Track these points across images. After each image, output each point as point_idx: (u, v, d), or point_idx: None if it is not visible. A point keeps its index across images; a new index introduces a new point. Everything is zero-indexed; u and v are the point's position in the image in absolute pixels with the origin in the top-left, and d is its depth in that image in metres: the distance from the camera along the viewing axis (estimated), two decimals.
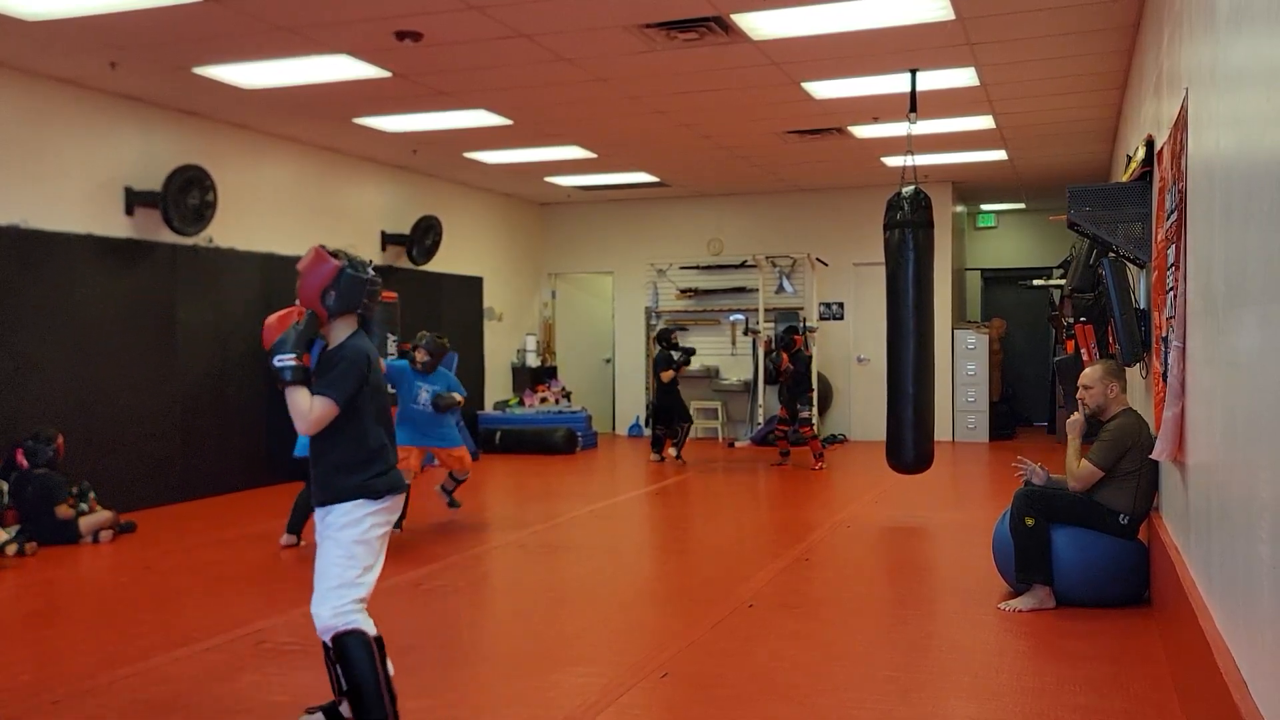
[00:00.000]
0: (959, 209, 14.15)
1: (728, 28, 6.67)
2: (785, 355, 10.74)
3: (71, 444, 7.48)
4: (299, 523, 6.85)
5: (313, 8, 6.27)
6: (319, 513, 3.46)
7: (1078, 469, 5.18)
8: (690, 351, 11.64)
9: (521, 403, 13.45)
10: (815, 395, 12.39)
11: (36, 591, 5.99)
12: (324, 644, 3.44)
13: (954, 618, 5.15)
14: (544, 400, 13.43)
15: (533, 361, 14.30)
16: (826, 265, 13.58)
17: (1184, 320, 3.98)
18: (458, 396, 7.43)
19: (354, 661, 3.35)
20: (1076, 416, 5.38)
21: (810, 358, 11.71)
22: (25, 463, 7.02)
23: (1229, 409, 2.94)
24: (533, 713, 3.83)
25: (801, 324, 13.16)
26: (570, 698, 3.97)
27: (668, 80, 8.01)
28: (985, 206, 15.67)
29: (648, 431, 12.86)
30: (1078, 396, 5.48)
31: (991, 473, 10.76)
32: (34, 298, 7.59)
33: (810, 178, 12.80)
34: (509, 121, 9.36)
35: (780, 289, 13.83)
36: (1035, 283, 13.70)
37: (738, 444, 13.33)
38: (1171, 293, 4.33)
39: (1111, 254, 5.75)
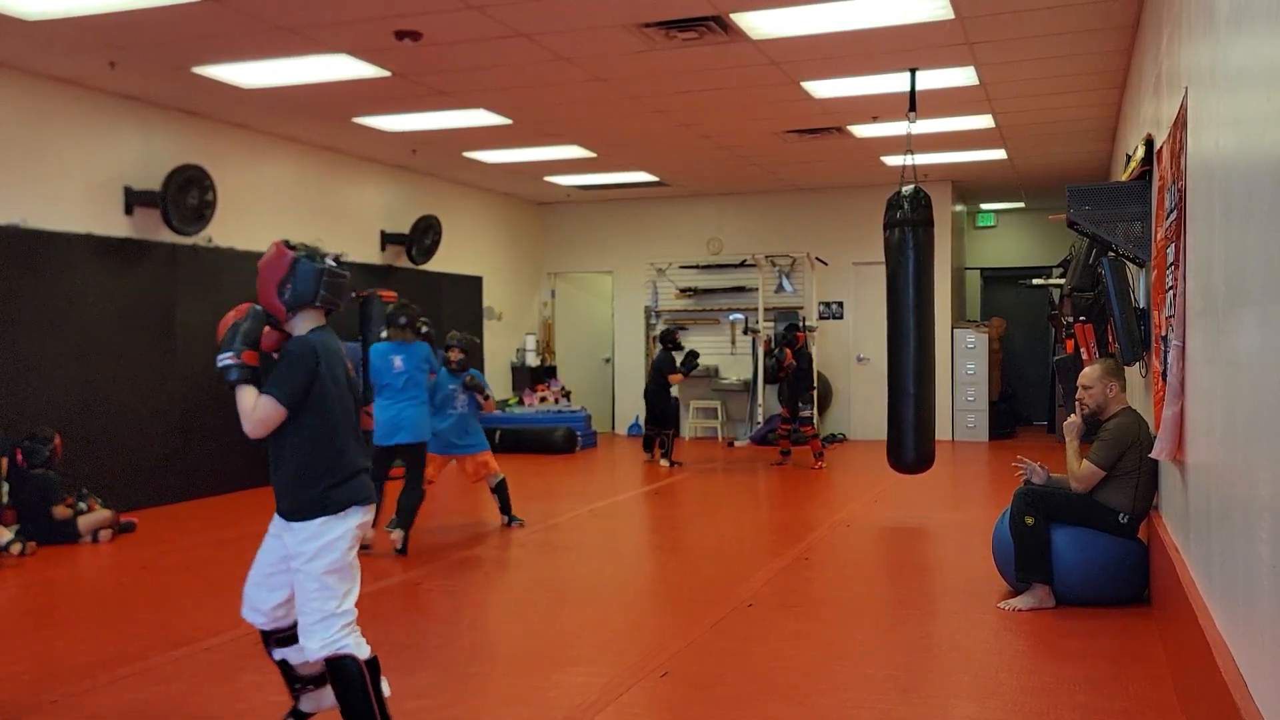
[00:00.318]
0: (958, 208, 14.15)
1: (727, 27, 6.67)
2: (789, 351, 10.74)
3: (71, 444, 7.48)
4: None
5: (312, 7, 6.26)
6: (282, 522, 3.30)
7: (1079, 470, 5.18)
8: (695, 355, 11.61)
9: (521, 402, 13.45)
10: (816, 393, 12.40)
11: (36, 591, 5.99)
12: (279, 661, 3.38)
13: (954, 617, 5.15)
14: (543, 400, 13.44)
15: (532, 361, 14.30)
16: (826, 265, 13.58)
17: (1183, 319, 3.98)
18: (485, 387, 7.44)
19: (346, 685, 3.23)
20: (1074, 419, 5.38)
21: (811, 356, 11.71)
22: (23, 462, 7.01)
23: (1229, 408, 2.94)
24: (533, 712, 3.83)
25: (801, 323, 13.18)
26: (570, 697, 3.97)
27: (667, 80, 8.00)
28: (985, 206, 15.67)
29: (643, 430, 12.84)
30: (1077, 396, 5.48)
31: (991, 472, 10.76)
32: (33, 297, 7.59)
33: (810, 177, 12.80)
34: (508, 121, 9.36)
35: (780, 288, 13.83)
36: (1035, 282, 13.71)
37: (737, 443, 13.33)
38: (1171, 292, 4.32)
39: (1111, 253, 5.75)
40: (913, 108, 7.84)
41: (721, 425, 14.10)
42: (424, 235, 11.88)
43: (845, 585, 5.89)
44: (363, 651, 3.26)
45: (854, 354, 13.84)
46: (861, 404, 13.65)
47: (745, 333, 13.78)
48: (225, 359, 3.30)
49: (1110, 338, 5.92)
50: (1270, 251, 2.31)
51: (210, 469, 9.06)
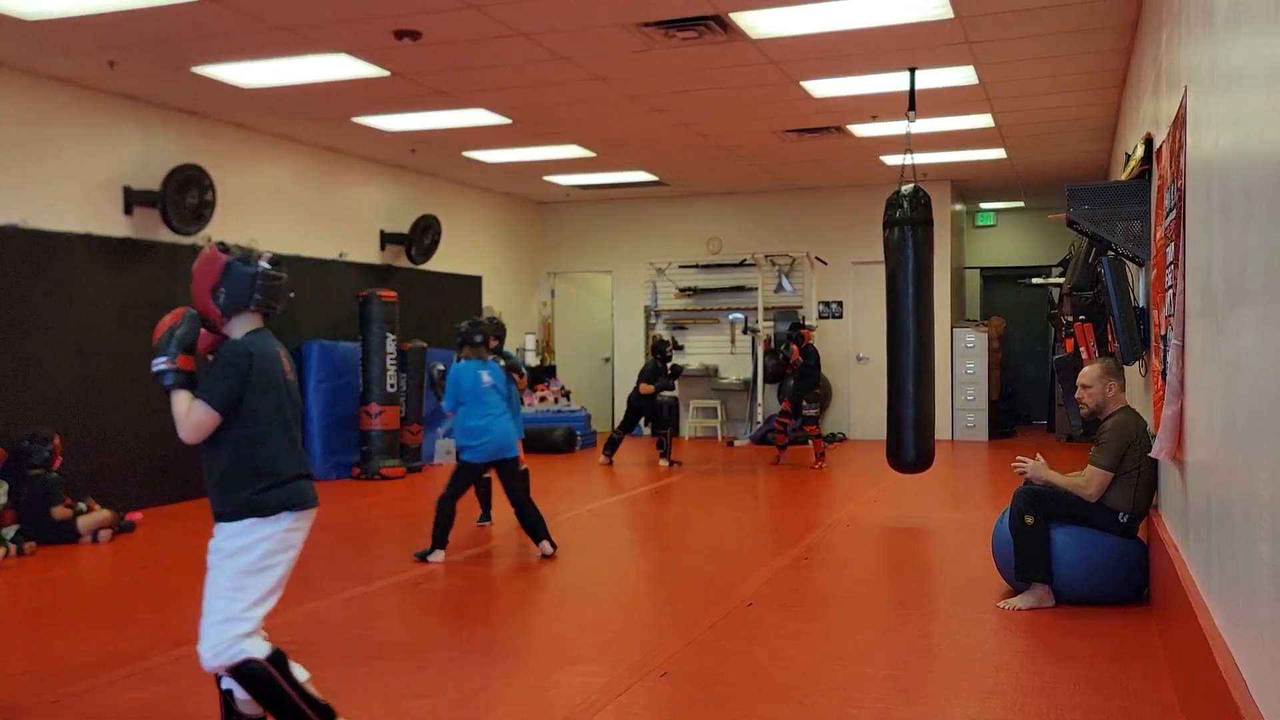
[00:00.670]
0: (958, 207, 14.15)
1: (726, 26, 6.67)
2: (795, 348, 10.74)
3: (71, 443, 7.48)
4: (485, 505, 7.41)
5: (311, 7, 6.26)
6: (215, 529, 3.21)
7: (1084, 481, 5.14)
8: (678, 372, 11.56)
9: (521, 402, 13.44)
10: (822, 393, 12.39)
11: (36, 591, 5.99)
12: (224, 691, 3.30)
13: (953, 617, 5.15)
14: (543, 399, 13.44)
15: (532, 360, 14.30)
16: (826, 264, 13.58)
17: (1183, 318, 3.98)
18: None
19: (258, 688, 3.14)
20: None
21: (818, 354, 11.70)
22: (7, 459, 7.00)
23: (1228, 408, 2.94)
24: (532, 712, 3.83)
25: (801, 322, 13.18)
26: (570, 697, 3.97)
27: (667, 79, 8.00)
28: (984, 205, 15.68)
29: (646, 430, 12.85)
30: (1076, 396, 5.48)
31: (991, 471, 10.76)
32: (33, 297, 7.59)
33: (809, 176, 12.80)
34: (508, 120, 9.36)
35: (779, 288, 13.83)
36: (1034, 281, 13.68)
37: (737, 443, 13.33)
38: (1170, 291, 4.32)
39: (1110, 252, 5.75)
40: (912, 107, 7.84)
41: (721, 425, 14.10)
42: (423, 235, 11.87)
43: (845, 585, 5.89)
44: (260, 650, 3.16)
45: (853, 353, 13.85)
46: (861, 403, 13.66)
47: (745, 332, 13.79)
48: (159, 364, 3.24)
49: (1110, 337, 5.92)
50: (1269, 251, 2.31)
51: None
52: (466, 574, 6.19)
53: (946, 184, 13.03)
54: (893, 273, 7.60)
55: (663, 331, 14.24)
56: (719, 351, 14.23)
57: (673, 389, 11.83)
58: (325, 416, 10.11)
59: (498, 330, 7.58)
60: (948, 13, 6.46)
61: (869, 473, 10.18)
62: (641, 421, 11.69)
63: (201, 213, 8.80)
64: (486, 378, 6.57)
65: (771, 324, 13.37)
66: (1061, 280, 9.79)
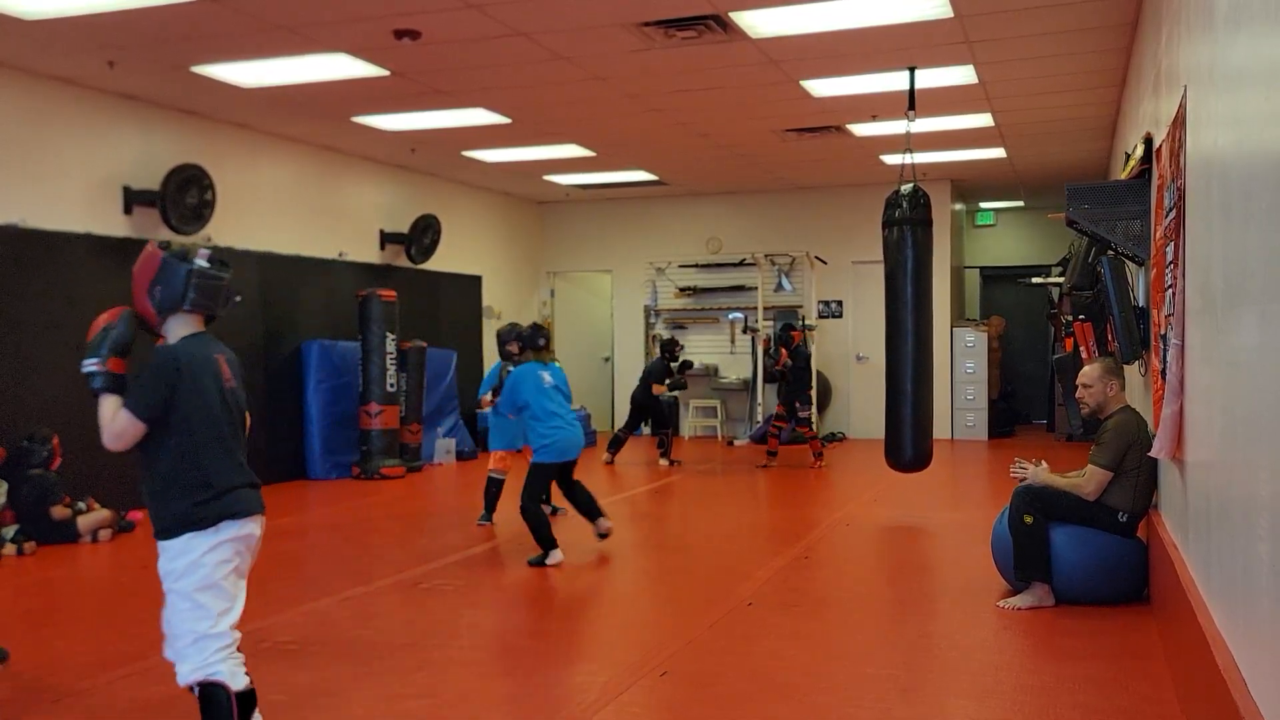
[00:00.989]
0: (958, 207, 14.15)
1: (726, 26, 6.67)
2: (785, 351, 10.72)
3: (70, 443, 7.47)
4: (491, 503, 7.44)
5: (311, 7, 6.26)
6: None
7: (1084, 481, 5.15)
8: (687, 366, 11.63)
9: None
10: (815, 393, 12.40)
11: (35, 591, 5.99)
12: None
13: (953, 616, 5.15)
14: None
15: None
16: (825, 263, 13.58)
17: (1182, 318, 3.98)
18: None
19: (210, 715, 3.03)
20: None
21: (809, 355, 11.69)
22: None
23: (1228, 407, 2.94)
24: (532, 711, 3.83)
25: (800, 321, 13.17)
26: (569, 696, 3.97)
27: (666, 79, 8.00)
28: (984, 204, 15.68)
29: (645, 430, 12.85)
30: (1076, 395, 5.48)
31: (990, 471, 10.76)
32: (33, 297, 7.59)
33: (809, 176, 12.80)
34: (507, 120, 9.36)
35: (779, 287, 13.83)
36: (1034, 280, 13.69)
37: (736, 442, 13.33)
38: (1170, 290, 4.33)
39: (1110, 252, 5.75)
40: (912, 106, 7.84)
41: (721, 424, 14.10)
42: (423, 234, 11.87)
43: (845, 584, 5.89)
44: (237, 682, 3.04)
45: (853, 353, 13.85)
46: (861, 403, 13.66)
47: (745, 332, 13.79)
48: (89, 365, 3.06)
49: (1109, 336, 5.92)
50: (1269, 250, 2.31)
51: None
52: (466, 574, 6.18)
53: (946, 183, 13.03)
54: (891, 272, 7.61)
55: (662, 331, 14.26)
56: (719, 351, 14.23)
57: (684, 386, 11.86)
58: (325, 416, 10.11)
59: (513, 334, 7.62)
60: (947, 12, 6.46)
61: (868, 472, 10.18)
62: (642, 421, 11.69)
63: (201, 212, 8.80)
64: (548, 379, 6.54)
65: (771, 323, 13.36)
66: (1061, 280, 9.80)
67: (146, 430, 3.03)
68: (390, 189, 11.75)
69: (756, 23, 6.64)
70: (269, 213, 9.92)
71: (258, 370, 9.64)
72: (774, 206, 14.03)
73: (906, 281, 7.52)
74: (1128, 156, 6.46)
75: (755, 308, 13.70)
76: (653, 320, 14.53)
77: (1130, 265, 5.80)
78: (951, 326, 13.42)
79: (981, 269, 16.20)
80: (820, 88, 8.33)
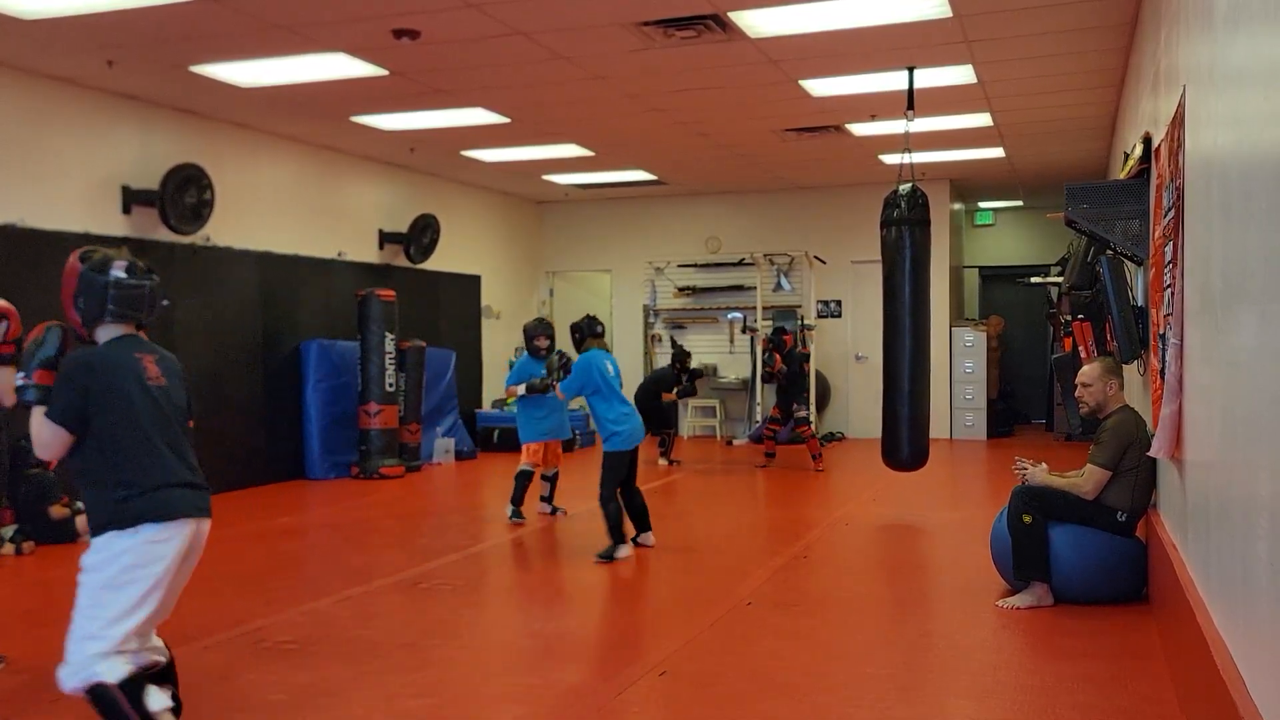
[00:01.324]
0: (957, 206, 14.16)
1: (725, 25, 6.67)
2: (778, 356, 10.69)
3: None
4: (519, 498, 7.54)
5: (310, 6, 6.26)
6: None
7: (1083, 481, 5.15)
8: (697, 374, 11.73)
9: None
10: (811, 395, 12.39)
11: (34, 590, 5.99)
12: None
13: (952, 615, 5.15)
14: None
15: None
16: (825, 263, 13.58)
17: (1181, 317, 3.98)
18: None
19: (104, 714, 2.99)
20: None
21: (807, 355, 11.68)
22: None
23: (1227, 407, 2.94)
24: (532, 710, 3.83)
25: (799, 321, 13.17)
26: (569, 695, 3.97)
27: (665, 78, 8.00)
28: (983, 204, 15.68)
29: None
30: (1076, 394, 5.48)
31: (989, 470, 10.76)
32: (32, 297, 7.56)
33: (808, 175, 12.80)
34: (507, 120, 9.35)
35: (778, 287, 13.83)
36: (1033, 280, 13.72)
37: (735, 442, 13.33)
38: (1169, 290, 4.33)
39: (1109, 251, 5.76)
40: (911, 106, 7.84)
41: (720, 424, 14.10)
42: (422, 234, 11.87)
43: (844, 584, 5.89)
44: (116, 673, 2.99)
45: (852, 352, 13.85)
46: (860, 402, 13.65)
47: (744, 331, 13.78)
48: (18, 379, 3.13)
49: (1108, 336, 5.92)
50: (1268, 250, 2.31)
51: (207, 468, 9.00)
52: (465, 573, 6.19)
53: (945, 183, 13.03)
54: (890, 272, 7.61)
55: (662, 330, 14.26)
56: (718, 351, 14.23)
57: (694, 393, 11.93)
58: (324, 416, 10.11)
59: (548, 329, 7.83)
60: (946, 12, 6.47)
61: (867, 472, 10.18)
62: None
63: (200, 212, 8.80)
64: (610, 367, 6.66)
65: (770, 323, 13.35)
66: (1060, 279, 9.80)
67: (74, 436, 3.07)
68: (389, 189, 11.75)
69: (756, 22, 6.64)
70: (268, 212, 9.91)
71: (257, 370, 9.64)
72: (773, 206, 14.03)
73: (904, 281, 7.52)
74: (1126, 156, 6.47)
75: (754, 307, 13.70)
76: (652, 320, 14.53)
77: (1129, 265, 5.80)
78: (950, 326, 13.43)
79: (980, 269, 16.21)
80: (819, 87, 8.33)
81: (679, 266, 14.40)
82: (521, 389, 7.61)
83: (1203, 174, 3.51)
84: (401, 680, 4.15)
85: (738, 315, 13.96)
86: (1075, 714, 3.71)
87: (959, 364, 13.44)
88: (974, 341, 13.47)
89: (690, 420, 14.19)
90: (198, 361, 8.99)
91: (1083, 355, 7.07)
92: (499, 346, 13.91)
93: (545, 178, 12.75)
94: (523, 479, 7.70)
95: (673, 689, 4.06)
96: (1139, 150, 5.66)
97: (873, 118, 9.44)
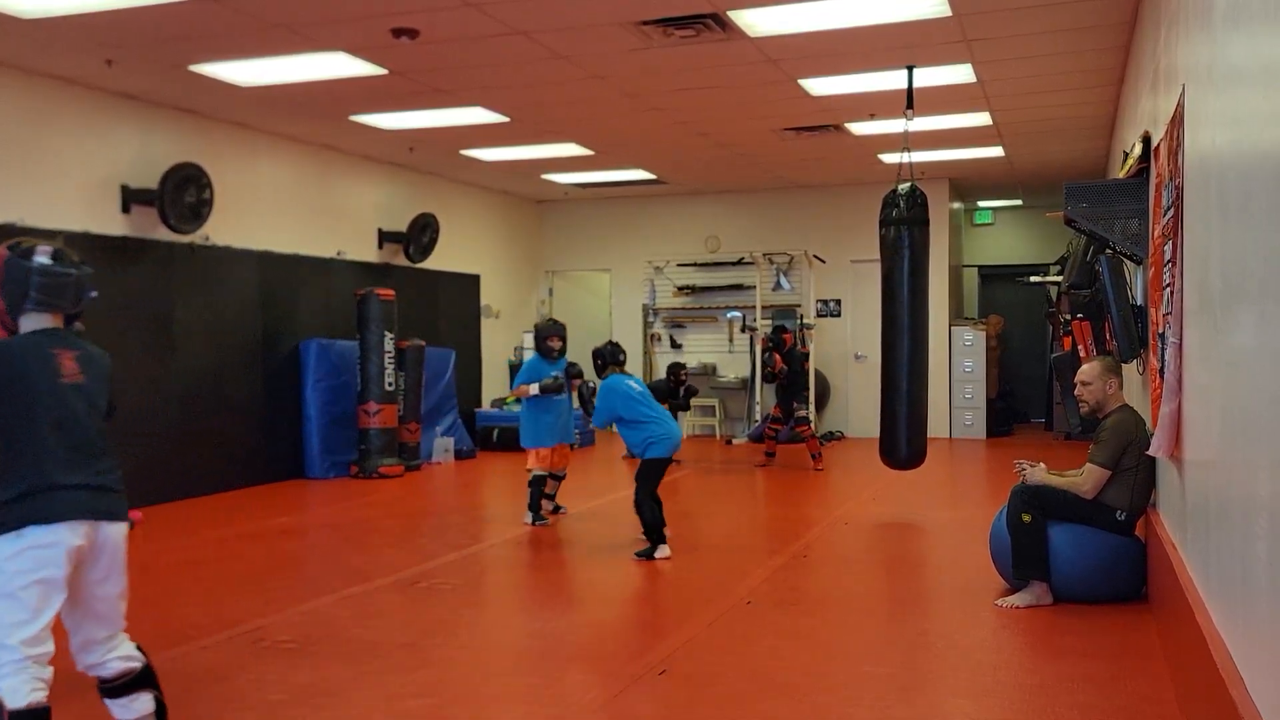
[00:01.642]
0: (956, 205, 14.16)
1: (725, 25, 6.66)
2: (778, 356, 10.69)
3: None
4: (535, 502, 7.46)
5: (309, 5, 6.26)
6: None
7: (1082, 480, 5.15)
8: (692, 392, 11.80)
9: (519, 400, 13.43)
10: (811, 394, 12.39)
11: None
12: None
13: (951, 614, 5.15)
14: None
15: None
16: (824, 262, 13.58)
17: (1181, 317, 3.99)
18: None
19: None
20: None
21: (807, 355, 11.67)
22: None
23: (1226, 406, 2.94)
24: (530, 710, 3.83)
25: (799, 321, 13.17)
26: (568, 695, 3.97)
27: (665, 77, 8.00)
28: (982, 203, 15.68)
29: None
30: (1075, 393, 5.48)
31: (989, 470, 10.76)
32: None
33: (807, 175, 12.80)
34: (506, 119, 9.35)
35: (778, 286, 13.83)
36: (1032, 279, 13.72)
37: (735, 441, 13.33)
38: (1168, 289, 4.33)
39: (1108, 250, 5.76)
40: (910, 105, 7.84)
41: (719, 423, 14.10)
42: (422, 233, 11.87)
43: (843, 583, 5.89)
44: (16, 699, 2.81)
45: (852, 352, 13.85)
46: (859, 402, 13.65)
47: (743, 330, 13.78)
48: None
49: (1108, 335, 5.92)
50: (1268, 249, 2.31)
51: (207, 467, 9.06)
52: (465, 573, 6.19)
53: (945, 182, 13.03)
54: (889, 271, 7.61)
55: (661, 329, 14.27)
56: (717, 350, 14.23)
57: (688, 408, 12.02)
58: (323, 415, 10.11)
59: (561, 330, 7.83)
60: (945, 11, 6.46)
61: (867, 471, 10.17)
62: None
63: (199, 211, 8.79)
64: (635, 386, 6.77)
65: (769, 322, 13.36)
66: (1059, 278, 9.80)
67: None
68: (388, 188, 11.74)
69: (755, 21, 6.64)
70: (267, 212, 9.91)
71: (256, 369, 9.64)
72: (772, 205, 14.03)
73: (902, 281, 7.52)
74: (1126, 155, 6.47)
75: (754, 306, 13.70)
76: (651, 319, 14.53)
77: (1128, 264, 5.80)
78: (950, 325, 13.43)
79: (980, 268, 16.21)
80: (819, 86, 8.33)
81: (678, 266, 14.40)
82: (534, 388, 7.56)
83: (1202, 173, 3.51)
84: (401, 680, 4.15)
85: (737, 314, 13.96)
86: (1074, 713, 3.72)
87: (958, 363, 13.44)
88: (973, 340, 13.47)
89: (689, 419, 14.19)
90: (197, 361, 8.99)
91: (1082, 354, 7.07)
92: (498, 346, 13.91)
93: (545, 177, 12.75)
94: (538, 485, 7.56)
95: (672, 688, 4.06)
96: (1138, 149, 5.66)
97: (872, 117, 9.44)
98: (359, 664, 4.34)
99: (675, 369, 11.57)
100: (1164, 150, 4.61)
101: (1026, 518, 5.12)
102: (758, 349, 13.15)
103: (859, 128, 9.92)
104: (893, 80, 7.99)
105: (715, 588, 5.67)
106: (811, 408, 12.65)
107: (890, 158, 11.13)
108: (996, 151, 11.23)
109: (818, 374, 13.47)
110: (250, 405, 9.56)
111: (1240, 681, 2.67)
